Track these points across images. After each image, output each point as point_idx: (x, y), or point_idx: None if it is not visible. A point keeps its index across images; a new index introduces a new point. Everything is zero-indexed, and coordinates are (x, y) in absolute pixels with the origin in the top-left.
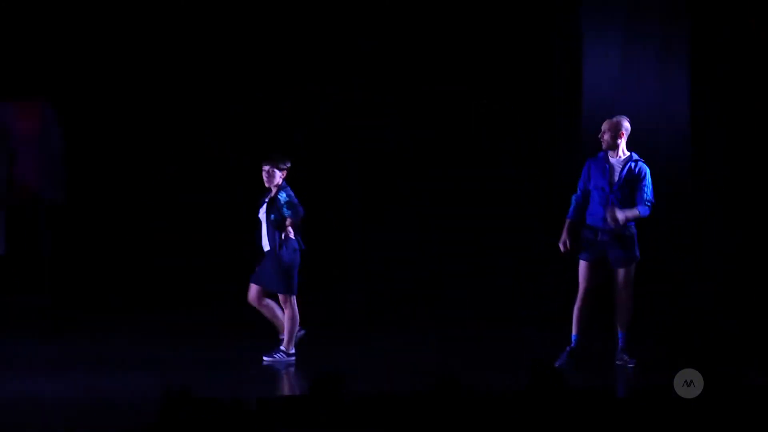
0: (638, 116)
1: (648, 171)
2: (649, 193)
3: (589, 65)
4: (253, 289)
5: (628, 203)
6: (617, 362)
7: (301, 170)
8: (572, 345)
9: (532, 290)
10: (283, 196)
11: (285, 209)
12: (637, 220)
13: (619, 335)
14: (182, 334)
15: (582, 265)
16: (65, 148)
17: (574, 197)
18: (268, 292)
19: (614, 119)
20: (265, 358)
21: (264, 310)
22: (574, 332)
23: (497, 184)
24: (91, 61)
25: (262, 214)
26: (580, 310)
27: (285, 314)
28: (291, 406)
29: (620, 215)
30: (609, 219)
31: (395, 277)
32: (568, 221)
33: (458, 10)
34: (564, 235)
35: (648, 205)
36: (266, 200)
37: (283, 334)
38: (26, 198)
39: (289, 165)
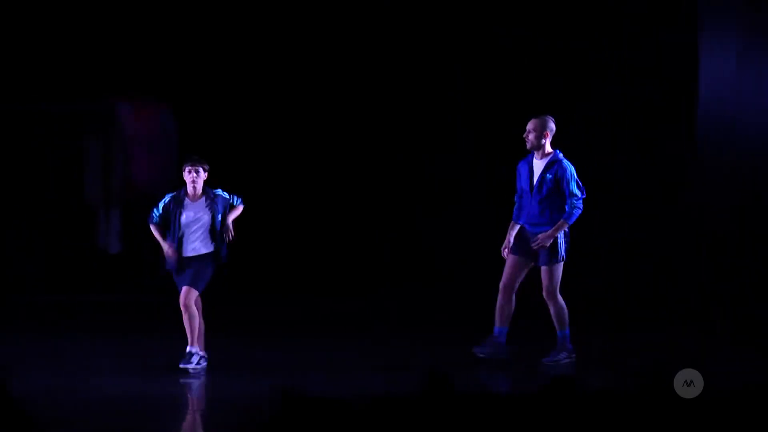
0: (758, 117)
1: (569, 168)
2: (573, 188)
3: (705, 62)
4: (193, 294)
5: (550, 203)
6: (545, 360)
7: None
8: (494, 334)
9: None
10: (219, 191)
11: (234, 197)
12: (567, 225)
13: (558, 334)
14: (280, 333)
15: (508, 258)
16: (180, 148)
17: (516, 198)
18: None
19: (539, 119)
20: (181, 365)
21: (192, 317)
22: (496, 325)
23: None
24: (207, 63)
25: (191, 219)
26: (500, 304)
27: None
28: (404, 405)
29: (545, 240)
30: (537, 247)
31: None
32: (511, 223)
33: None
34: (507, 238)
35: (574, 202)
36: (201, 202)
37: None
38: (141, 197)
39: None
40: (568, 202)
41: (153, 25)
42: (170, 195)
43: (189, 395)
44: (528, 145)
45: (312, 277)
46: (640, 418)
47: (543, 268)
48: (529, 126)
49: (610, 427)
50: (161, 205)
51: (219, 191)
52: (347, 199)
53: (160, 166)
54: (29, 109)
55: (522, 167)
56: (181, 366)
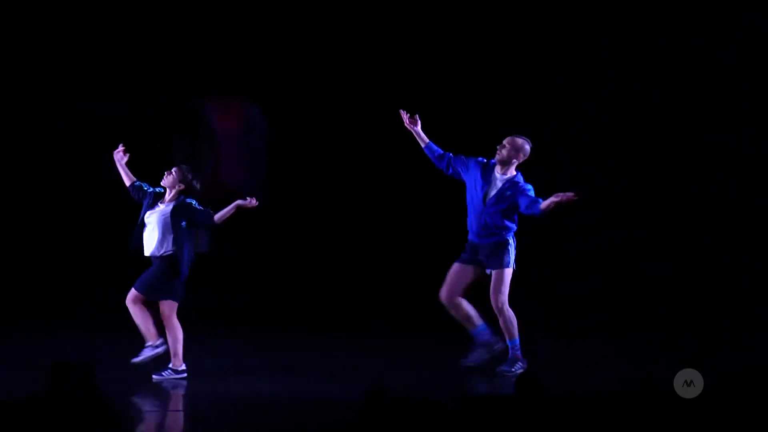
0: None
1: (530, 186)
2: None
3: None
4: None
5: (499, 218)
6: (498, 369)
7: None
8: (476, 339)
9: None
10: (194, 202)
11: (202, 213)
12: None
13: (508, 343)
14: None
15: (453, 267)
16: (268, 147)
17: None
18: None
19: (519, 140)
20: (154, 377)
21: (142, 318)
22: (470, 329)
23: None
24: (296, 61)
25: (158, 217)
26: (456, 315)
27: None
28: (495, 406)
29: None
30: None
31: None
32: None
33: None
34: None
35: (537, 204)
36: (168, 205)
37: (155, 341)
38: (229, 196)
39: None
40: (535, 200)
41: (242, 24)
42: (158, 189)
43: (286, 395)
44: (498, 157)
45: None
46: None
47: (493, 274)
48: (508, 141)
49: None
50: (148, 188)
51: (192, 200)
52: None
53: (249, 165)
54: (118, 109)
55: (479, 168)
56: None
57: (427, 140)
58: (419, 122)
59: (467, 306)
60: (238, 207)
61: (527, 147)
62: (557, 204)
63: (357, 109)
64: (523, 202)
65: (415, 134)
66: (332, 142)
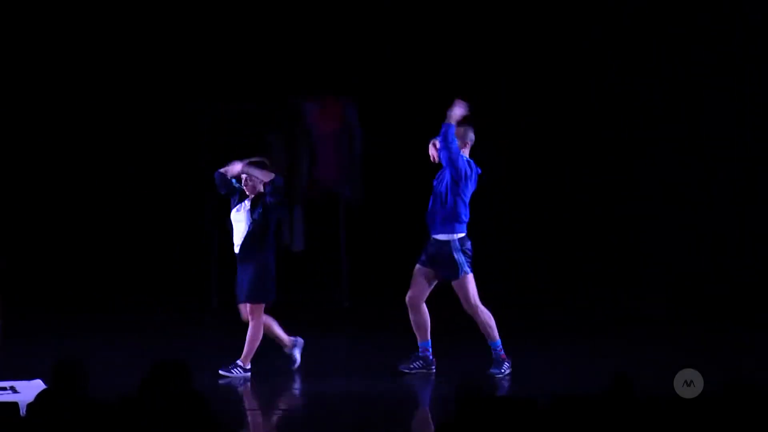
0: None
1: (476, 171)
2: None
3: None
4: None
5: (449, 207)
6: (487, 373)
7: None
8: (418, 351)
9: None
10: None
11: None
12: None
13: (490, 345)
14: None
15: (415, 270)
16: (365, 147)
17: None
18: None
19: (462, 128)
20: (221, 371)
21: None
22: (418, 341)
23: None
24: (393, 61)
25: (243, 215)
26: (411, 319)
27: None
28: (586, 405)
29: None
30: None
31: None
32: None
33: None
34: None
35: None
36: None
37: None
38: (325, 196)
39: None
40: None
41: (339, 24)
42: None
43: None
44: None
45: None
46: None
47: (454, 284)
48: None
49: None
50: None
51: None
52: None
53: (345, 164)
54: (216, 108)
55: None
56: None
57: None
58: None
59: (426, 317)
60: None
61: (470, 134)
62: (451, 121)
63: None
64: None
65: None
66: (425, 142)
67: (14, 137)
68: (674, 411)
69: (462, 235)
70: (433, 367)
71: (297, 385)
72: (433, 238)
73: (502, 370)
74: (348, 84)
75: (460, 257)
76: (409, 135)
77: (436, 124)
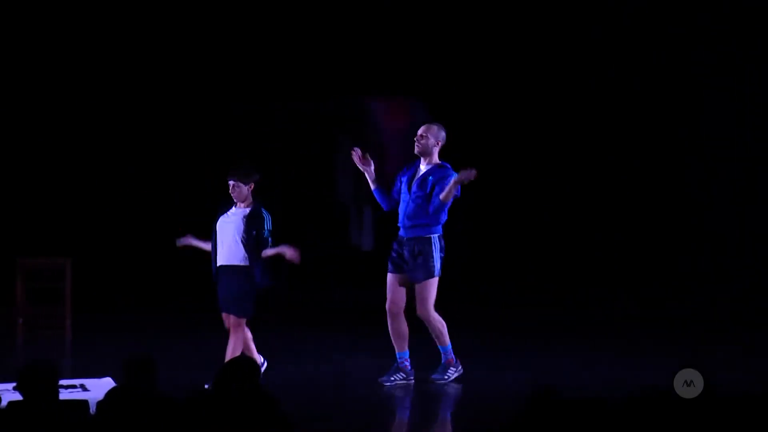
0: None
1: (453, 176)
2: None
3: None
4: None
5: (423, 207)
6: (431, 377)
7: None
8: (397, 362)
9: None
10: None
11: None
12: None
13: (440, 349)
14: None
15: (388, 279)
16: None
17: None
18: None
19: (435, 127)
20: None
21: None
22: (396, 350)
23: None
24: (464, 60)
25: (230, 227)
26: (391, 328)
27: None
28: (658, 404)
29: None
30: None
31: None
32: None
33: None
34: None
35: (437, 204)
36: (241, 215)
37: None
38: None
39: (257, 178)
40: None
41: (408, 22)
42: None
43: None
44: (418, 149)
45: None
46: None
47: (417, 286)
48: (425, 131)
49: None
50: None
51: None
52: None
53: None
54: (285, 108)
55: (406, 170)
56: None
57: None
58: (371, 163)
59: (405, 326)
60: (279, 253)
61: (443, 133)
62: (459, 183)
63: (522, 106)
64: (437, 191)
65: (366, 174)
66: (503, 140)
67: (90, 140)
68: (755, 411)
69: (440, 231)
70: (412, 377)
71: (374, 383)
72: (409, 238)
73: (446, 376)
74: (417, 82)
75: (438, 258)
76: (480, 133)
77: (507, 121)
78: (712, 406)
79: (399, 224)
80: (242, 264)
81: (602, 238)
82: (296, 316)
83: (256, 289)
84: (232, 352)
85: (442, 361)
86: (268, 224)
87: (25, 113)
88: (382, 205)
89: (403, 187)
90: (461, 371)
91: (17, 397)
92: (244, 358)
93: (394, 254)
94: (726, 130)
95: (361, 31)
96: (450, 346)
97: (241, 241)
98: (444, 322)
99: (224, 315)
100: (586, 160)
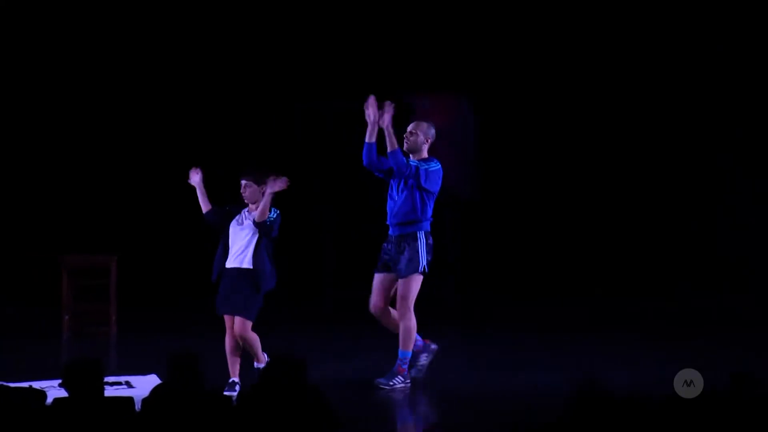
0: None
1: (438, 167)
2: (422, 182)
3: None
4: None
5: (409, 202)
6: (378, 381)
7: None
8: (397, 363)
9: None
10: (276, 215)
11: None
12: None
13: (399, 354)
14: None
15: (374, 278)
16: (480, 143)
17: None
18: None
19: (425, 124)
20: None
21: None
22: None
23: None
24: (510, 57)
25: (243, 233)
26: (385, 326)
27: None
28: (702, 405)
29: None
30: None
31: None
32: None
33: None
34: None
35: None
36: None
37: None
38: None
39: (269, 179)
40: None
41: (453, 20)
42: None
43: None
44: (407, 146)
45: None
46: None
47: (400, 280)
48: (414, 127)
49: None
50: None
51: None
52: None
53: (460, 161)
54: (332, 107)
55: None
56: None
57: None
58: (385, 121)
59: (394, 314)
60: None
61: (432, 131)
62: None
63: (569, 104)
64: (421, 178)
65: (370, 126)
66: (544, 139)
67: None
68: None
69: (428, 228)
70: (409, 380)
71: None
72: (396, 235)
73: (391, 383)
74: (462, 79)
75: (424, 253)
76: (524, 130)
77: (550, 119)
78: (754, 407)
79: (388, 222)
80: (251, 267)
81: (639, 235)
82: (296, 316)
83: (263, 292)
84: (251, 352)
85: (394, 368)
86: (276, 224)
87: (73, 114)
88: (363, 158)
89: (394, 183)
90: (408, 385)
91: (63, 394)
92: (290, 356)
93: (383, 253)
94: (726, 130)
95: (407, 28)
96: (409, 355)
97: (254, 247)
98: (416, 327)
99: (227, 317)
100: (621, 155)
